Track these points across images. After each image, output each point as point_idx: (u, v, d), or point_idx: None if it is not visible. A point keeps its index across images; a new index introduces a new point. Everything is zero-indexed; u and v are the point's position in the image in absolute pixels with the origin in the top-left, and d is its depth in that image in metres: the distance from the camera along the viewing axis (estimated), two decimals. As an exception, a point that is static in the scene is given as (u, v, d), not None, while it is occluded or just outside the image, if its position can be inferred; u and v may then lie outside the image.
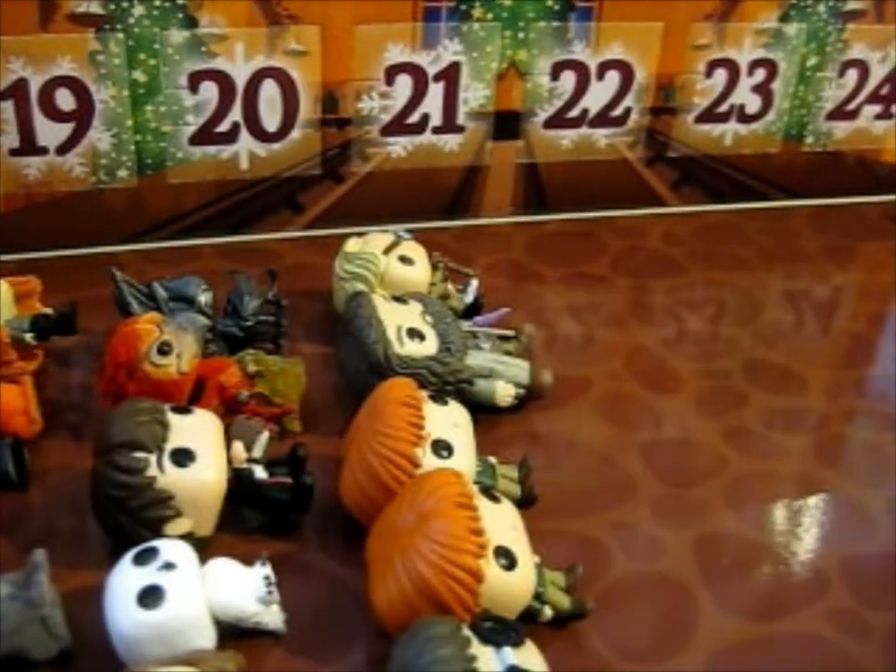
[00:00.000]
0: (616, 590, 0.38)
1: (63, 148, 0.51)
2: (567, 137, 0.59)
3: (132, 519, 0.35)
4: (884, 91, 0.63)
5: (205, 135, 0.53)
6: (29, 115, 0.50)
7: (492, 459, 0.40)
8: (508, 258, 0.57)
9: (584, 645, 0.36)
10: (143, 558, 0.33)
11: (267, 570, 0.34)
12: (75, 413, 0.43)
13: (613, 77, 0.58)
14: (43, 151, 0.51)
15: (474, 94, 0.56)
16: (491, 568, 0.33)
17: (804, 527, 0.42)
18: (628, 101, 0.59)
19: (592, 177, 0.60)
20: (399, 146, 0.57)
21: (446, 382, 0.42)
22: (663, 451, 0.45)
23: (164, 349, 0.40)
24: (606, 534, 0.41)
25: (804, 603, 0.38)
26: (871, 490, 0.44)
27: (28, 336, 0.42)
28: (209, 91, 0.52)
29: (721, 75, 0.60)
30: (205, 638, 0.32)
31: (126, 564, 0.33)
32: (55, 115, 0.50)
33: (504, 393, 0.44)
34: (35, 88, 0.49)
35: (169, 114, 0.52)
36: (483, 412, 0.43)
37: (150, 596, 0.32)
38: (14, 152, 0.50)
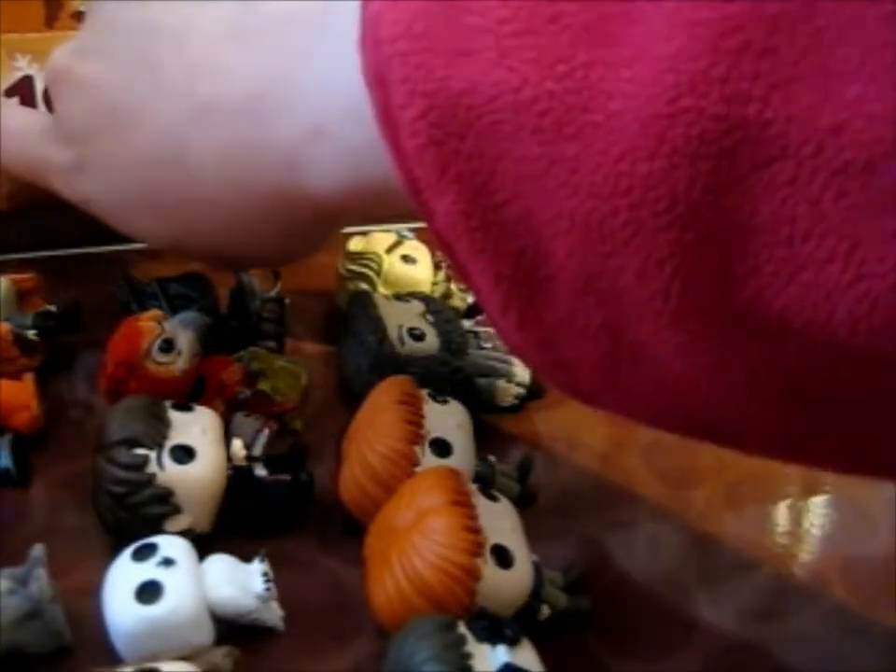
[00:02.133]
0: (615, 589, 0.38)
1: (68, 146, 0.51)
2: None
3: (131, 515, 0.35)
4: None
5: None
6: (34, 113, 0.50)
7: (492, 458, 0.40)
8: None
9: (582, 644, 0.36)
10: (142, 554, 0.33)
11: (265, 567, 0.34)
12: (77, 410, 0.43)
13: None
14: (48, 149, 0.51)
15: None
16: (487, 567, 0.33)
17: (804, 528, 0.42)
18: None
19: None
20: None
21: (447, 380, 0.42)
22: (663, 451, 0.45)
23: (165, 346, 0.40)
24: (605, 534, 0.41)
25: (803, 604, 0.38)
26: (871, 492, 0.44)
27: (31, 333, 0.42)
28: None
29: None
30: (203, 634, 0.32)
31: (125, 559, 0.33)
32: (60, 113, 0.50)
33: (505, 392, 0.44)
34: (40, 86, 0.49)
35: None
36: (483, 411, 0.43)
37: (148, 592, 0.32)
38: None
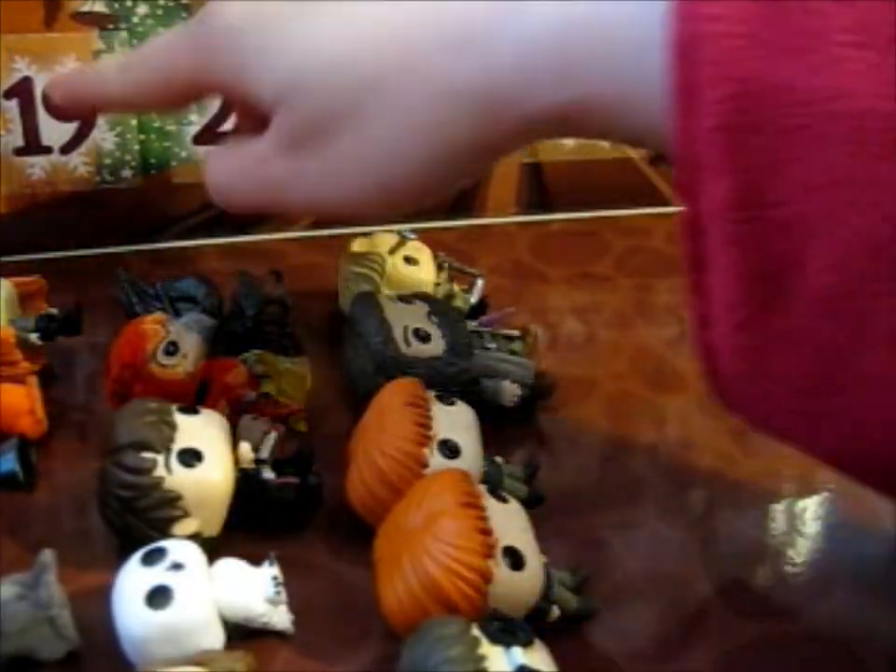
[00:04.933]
0: (622, 590, 0.38)
1: (67, 148, 0.51)
2: (570, 136, 0.59)
3: (139, 519, 0.35)
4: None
5: (209, 134, 0.53)
6: (33, 114, 0.50)
7: (498, 459, 0.40)
8: (511, 257, 0.57)
9: (591, 645, 0.36)
10: (151, 558, 0.33)
11: (275, 570, 0.34)
12: (80, 414, 0.43)
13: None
14: (47, 151, 0.51)
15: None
16: (499, 568, 0.33)
17: (809, 527, 0.42)
18: (632, 100, 0.59)
19: (596, 176, 0.60)
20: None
21: (453, 382, 0.42)
22: (667, 450, 0.45)
23: (170, 349, 0.40)
24: (611, 533, 0.41)
25: (810, 603, 0.39)
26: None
27: (33, 336, 0.42)
28: (213, 90, 0.52)
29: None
30: (214, 639, 0.32)
31: (134, 564, 0.33)
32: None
33: (510, 393, 0.44)
34: (39, 86, 0.49)
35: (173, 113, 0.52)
36: (488, 412, 0.43)
37: (159, 597, 0.32)
38: (18, 151, 0.50)
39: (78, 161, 0.52)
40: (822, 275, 0.26)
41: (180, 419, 0.37)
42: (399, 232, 0.49)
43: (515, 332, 0.46)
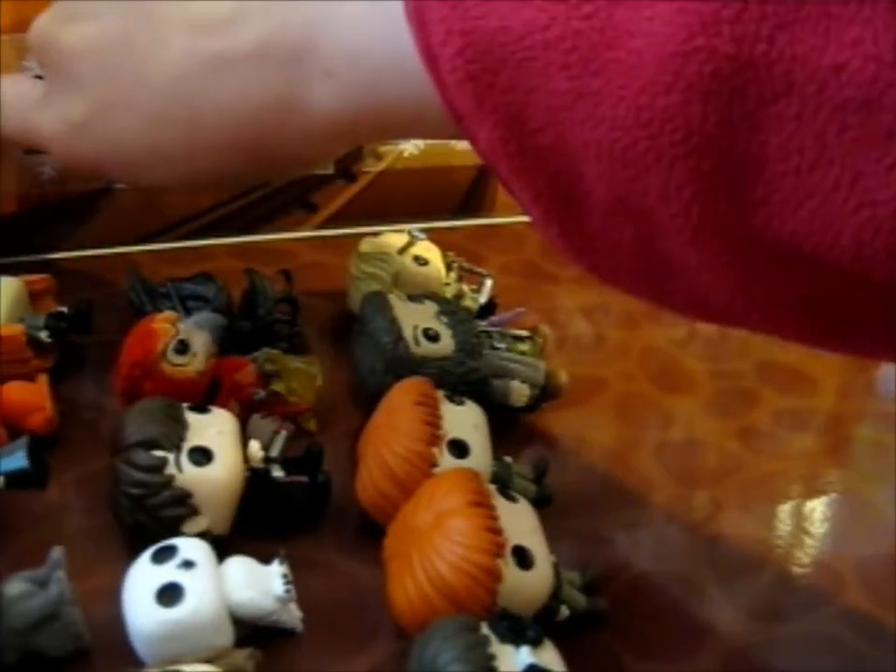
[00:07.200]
0: (630, 589, 0.38)
1: (78, 147, 0.51)
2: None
3: (149, 517, 0.35)
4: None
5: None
6: (43, 113, 0.50)
7: (508, 459, 0.40)
8: (521, 257, 0.57)
9: (599, 644, 0.36)
10: (161, 556, 0.33)
11: (284, 568, 0.34)
12: (90, 412, 0.43)
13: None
14: (57, 150, 0.51)
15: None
16: (508, 568, 0.33)
17: (816, 528, 0.42)
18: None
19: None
20: (412, 144, 0.57)
21: (462, 382, 0.42)
22: (675, 451, 0.45)
23: (180, 348, 0.40)
24: (619, 533, 0.41)
25: (817, 603, 0.39)
26: (883, 491, 0.44)
27: (43, 334, 0.42)
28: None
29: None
30: (224, 636, 0.32)
31: (144, 562, 0.33)
32: (70, 113, 0.50)
33: (519, 393, 0.44)
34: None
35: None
36: (497, 412, 0.43)
37: (169, 594, 0.32)
38: (28, 150, 0.50)
39: (89, 160, 0.52)
40: (600, 185, 0.28)
41: (190, 417, 0.37)
42: (408, 232, 0.49)
43: (524, 332, 0.46)
